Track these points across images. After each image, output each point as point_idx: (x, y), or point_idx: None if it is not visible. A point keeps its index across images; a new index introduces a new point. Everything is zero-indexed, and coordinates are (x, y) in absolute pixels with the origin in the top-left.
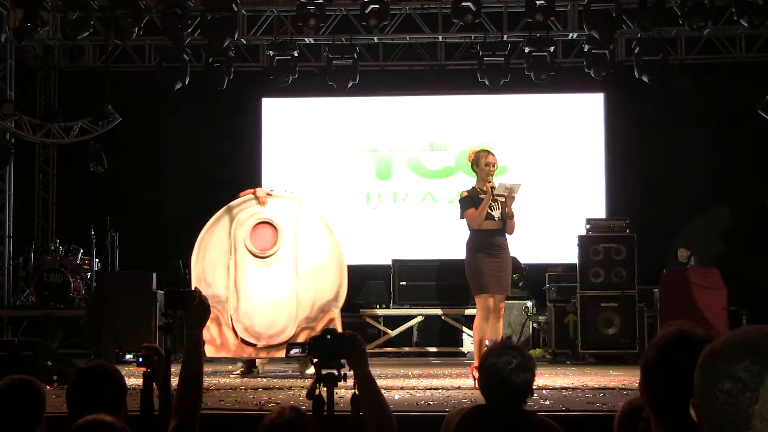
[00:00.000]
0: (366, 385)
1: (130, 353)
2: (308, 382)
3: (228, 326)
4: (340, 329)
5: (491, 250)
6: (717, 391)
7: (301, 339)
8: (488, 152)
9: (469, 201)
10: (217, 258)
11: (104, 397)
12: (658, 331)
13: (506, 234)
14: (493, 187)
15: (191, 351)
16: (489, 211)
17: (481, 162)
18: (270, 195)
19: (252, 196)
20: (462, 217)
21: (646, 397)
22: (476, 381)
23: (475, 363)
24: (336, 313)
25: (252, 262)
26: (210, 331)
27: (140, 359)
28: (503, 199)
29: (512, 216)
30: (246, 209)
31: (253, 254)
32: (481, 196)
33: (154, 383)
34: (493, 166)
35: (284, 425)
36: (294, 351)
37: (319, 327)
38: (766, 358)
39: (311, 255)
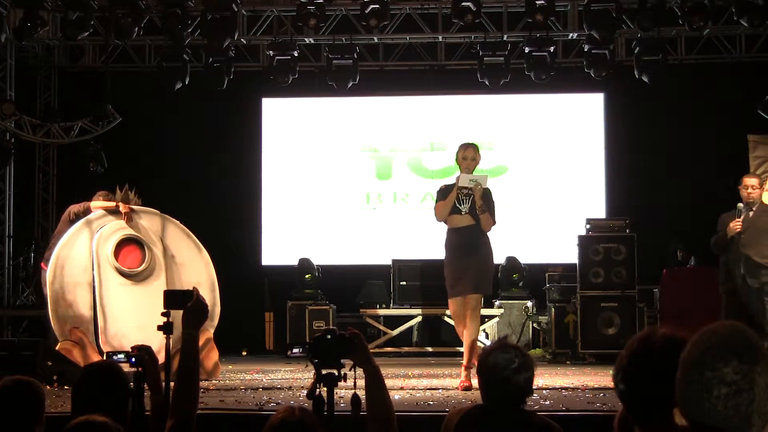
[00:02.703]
0: (374, 379)
1: (121, 353)
2: (308, 382)
3: (94, 349)
4: (216, 350)
5: (461, 251)
6: (713, 398)
7: (175, 362)
8: (467, 145)
9: (440, 194)
10: (78, 275)
11: (110, 396)
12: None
13: (482, 231)
14: (457, 179)
15: (187, 350)
16: (456, 204)
17: (459, 156)
18: (132, 210)
19: (112, 209)
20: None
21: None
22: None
23: (465, 364)
24: (211, 333)
25: (118, 281)
26: (74, 354)
27: (132, 359)
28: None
29: (483, 210)
30: (108, 224)
31: (119, 272)
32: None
33: (146, 384)
34: (472, 160)
35: (296, 425)
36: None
37: None
38: (749, 355)
39: (181, 272)
